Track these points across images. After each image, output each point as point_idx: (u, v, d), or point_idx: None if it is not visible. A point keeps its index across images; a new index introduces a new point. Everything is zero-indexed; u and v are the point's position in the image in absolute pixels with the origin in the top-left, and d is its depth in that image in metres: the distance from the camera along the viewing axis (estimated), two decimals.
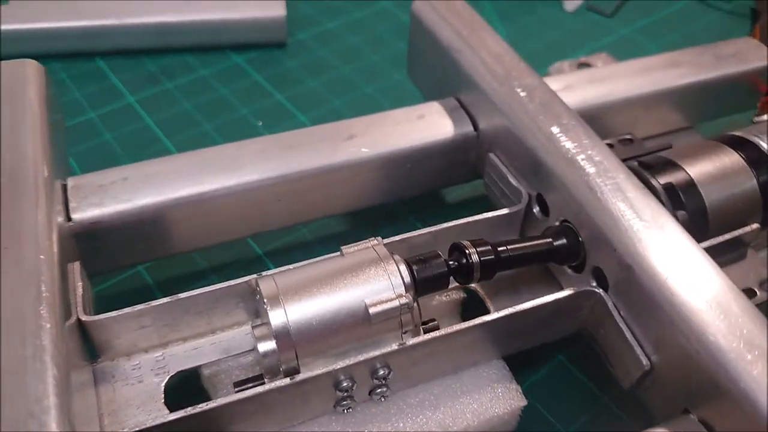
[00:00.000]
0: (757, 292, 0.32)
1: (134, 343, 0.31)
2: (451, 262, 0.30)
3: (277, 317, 0.27)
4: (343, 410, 0.29)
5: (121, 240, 0.34)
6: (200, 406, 0.26)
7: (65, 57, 0.55)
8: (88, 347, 0.30)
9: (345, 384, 0.28)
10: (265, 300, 0.28)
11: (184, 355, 0.31)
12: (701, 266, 0.28)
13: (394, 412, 0.30)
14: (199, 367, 0.31)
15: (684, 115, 0.45)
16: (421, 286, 0.29)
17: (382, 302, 0.28)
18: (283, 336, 0.27)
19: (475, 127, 0.39)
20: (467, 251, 0.30)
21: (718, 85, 0.44)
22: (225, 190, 0.35)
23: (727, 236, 0.32)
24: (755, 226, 0.32)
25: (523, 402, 0.31)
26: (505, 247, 0.31)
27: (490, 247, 0.31)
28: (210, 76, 0.54)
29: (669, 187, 0.32)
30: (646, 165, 0.34)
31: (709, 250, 0.29)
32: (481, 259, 0.30)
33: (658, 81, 0.43)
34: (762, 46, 0.46)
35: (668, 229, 0.29)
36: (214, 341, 0.32)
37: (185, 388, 0.31)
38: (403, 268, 0.29)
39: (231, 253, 0.41)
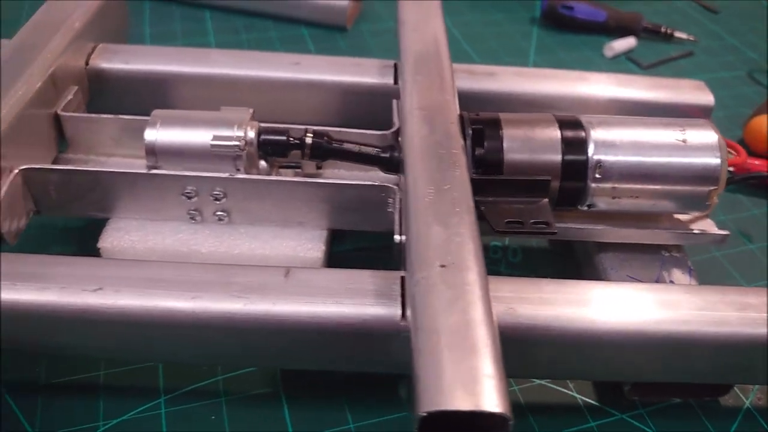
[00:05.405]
0: None
1: None
2: (291, 139, 0.41)
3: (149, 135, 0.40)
4: (192, 218, 0.41)
5: None
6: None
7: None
8: None
9: (189, 190, 0.40)
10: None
11: None
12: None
13: (228, 235, 0.41)
14: None
15: None
16: (263, 144, 0.41)
17: (222, 138, 0.40)
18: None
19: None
20: (306, 134, 0.41)
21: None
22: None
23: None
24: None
25: (319, 255, 0.40)
26: (339, 143, 0.41)
27: (325, 137, 0.41)
28: (275, 38, 0.70)
29: (477, 129, 0.40)
30: (476, 115, 0.41)
31: (499, 182, 0.38)
32: (314, 140, 0.41)
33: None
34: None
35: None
36: None
37: None
38: (250, 127, 0.40)
39: None
